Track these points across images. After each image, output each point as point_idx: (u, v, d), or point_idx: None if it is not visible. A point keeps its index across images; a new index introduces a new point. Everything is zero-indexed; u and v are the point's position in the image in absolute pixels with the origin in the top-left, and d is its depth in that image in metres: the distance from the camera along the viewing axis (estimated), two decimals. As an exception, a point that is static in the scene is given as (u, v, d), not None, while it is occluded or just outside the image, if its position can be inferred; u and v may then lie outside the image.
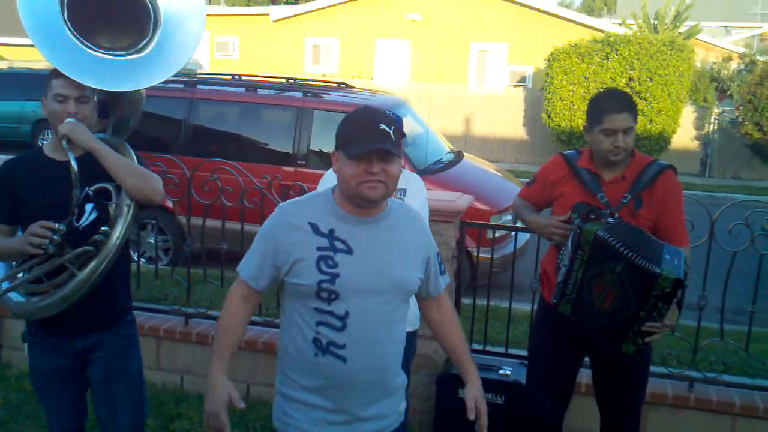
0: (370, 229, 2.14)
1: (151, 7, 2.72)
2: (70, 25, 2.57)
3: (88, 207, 2.54)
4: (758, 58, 19.44)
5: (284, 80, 7.87)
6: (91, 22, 2.63)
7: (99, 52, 2.61)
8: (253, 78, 7.91)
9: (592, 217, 2.75)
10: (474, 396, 2.26)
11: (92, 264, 2.51)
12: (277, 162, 6.79)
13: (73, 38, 2.57)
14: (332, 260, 2.08)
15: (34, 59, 19.55)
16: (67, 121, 2.51)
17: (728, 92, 17.93)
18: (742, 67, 19.38)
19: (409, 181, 3.26)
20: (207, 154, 5.41)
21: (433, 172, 6.76)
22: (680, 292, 2.62)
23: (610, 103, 2.77)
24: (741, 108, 14.99)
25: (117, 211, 2.56)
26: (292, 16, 21.35)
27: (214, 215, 4.30)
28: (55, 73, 2.55)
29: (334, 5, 20.74)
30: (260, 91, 7.27)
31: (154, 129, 7.16)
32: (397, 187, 3.23)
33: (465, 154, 8.00)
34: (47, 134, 15.07)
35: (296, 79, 8.12)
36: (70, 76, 2.51)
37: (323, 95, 7.10)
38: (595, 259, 2.68)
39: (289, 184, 5.65)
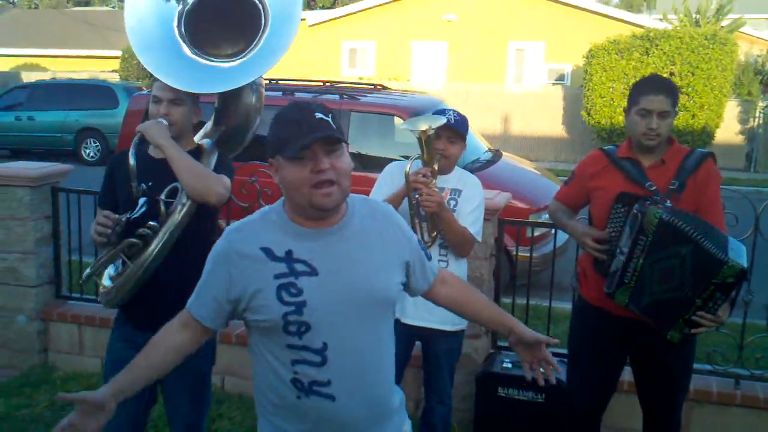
0: (333, 242, 1.83)
1: (262, 10, 2.74)
2: (183, 32, 2.68)
3: (141, 201, 2.61)
4: (804, 49, 18.97)
5: (321, 83, 7.93)
6: (207, 29, 2.74)
7: (201, 57, 2.73)
8: (291, 82, 7.97)
9: (648, 202, 2.67)
10: (523, 336, 1.98)
11: (141, 257, 2.58)
12: (315, 164, 6.81)
13: (184, 45, 2.70)
14: (295, 287, 1.78)
15: (77, 70, 20.06)
16: (150, 121, 2.62)
17: (774, 85, 17.54)
18: (788, 59, 18.91)
19: (466, 182, 3.23)
20: (246, 158, 5.47)
21: (471, 171, 6.70)
22: (737, 288, 2.57)
23: (649, 85, 2.80)
24: (787, 101, 14.65)
25: (169, 209, 2.61)
26: (328, 21, 21.48)
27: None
28: None
29: (370, 8, 20.81)
30: (297, 95, 7.33)
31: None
32: (453, 188, 3.22)
33: (503, 153, 7.96)
34: (90, 143, 15.45)
35: (333, 82, 8.17)
36: (157, 76, 2.62)
37: (360, 97, 7.13)
38: (659, 243, 2.60)
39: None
